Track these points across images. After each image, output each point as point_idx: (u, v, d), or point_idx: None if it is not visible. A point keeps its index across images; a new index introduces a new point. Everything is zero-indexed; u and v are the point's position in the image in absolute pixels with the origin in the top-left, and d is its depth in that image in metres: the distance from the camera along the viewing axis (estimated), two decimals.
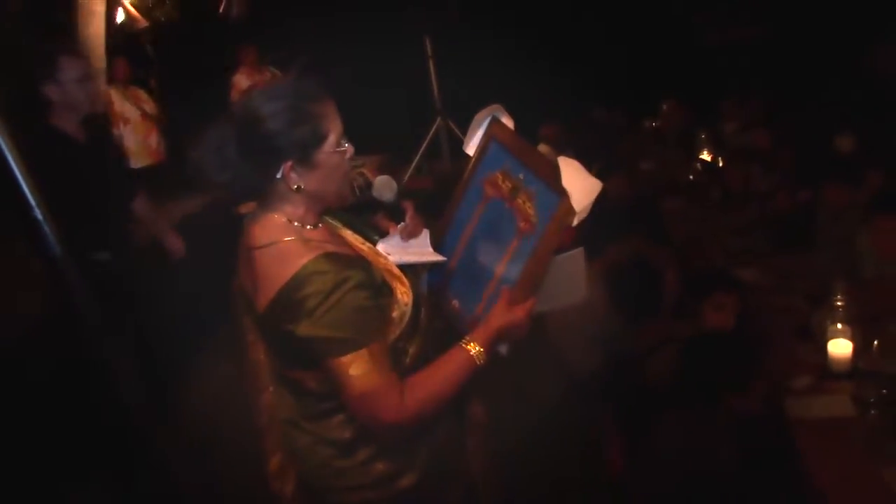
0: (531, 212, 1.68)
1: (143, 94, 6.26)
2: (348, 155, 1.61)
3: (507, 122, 1.83)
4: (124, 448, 2.79)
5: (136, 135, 6.04)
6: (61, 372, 3.02)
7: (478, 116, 1.86)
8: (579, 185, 1.61)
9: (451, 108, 6.86)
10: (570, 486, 3.00)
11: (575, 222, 1.62)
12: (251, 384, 1.81)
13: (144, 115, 6.08)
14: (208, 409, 3.67)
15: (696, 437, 2.50)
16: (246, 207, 1.70)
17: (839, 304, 2.61)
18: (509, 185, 1.76)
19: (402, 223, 1.84)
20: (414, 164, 6.69)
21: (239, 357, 1.83)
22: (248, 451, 1.90)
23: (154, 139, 6.16)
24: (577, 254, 1.77)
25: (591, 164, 2.33)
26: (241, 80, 6.72)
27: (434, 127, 6.84)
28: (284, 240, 1.56)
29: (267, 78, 6.66)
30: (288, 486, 1.81)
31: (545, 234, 1.64)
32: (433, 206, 1.99)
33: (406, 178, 6.53)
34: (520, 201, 1.72)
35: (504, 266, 1.73)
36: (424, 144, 6.77)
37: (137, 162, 5.95)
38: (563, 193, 1.60)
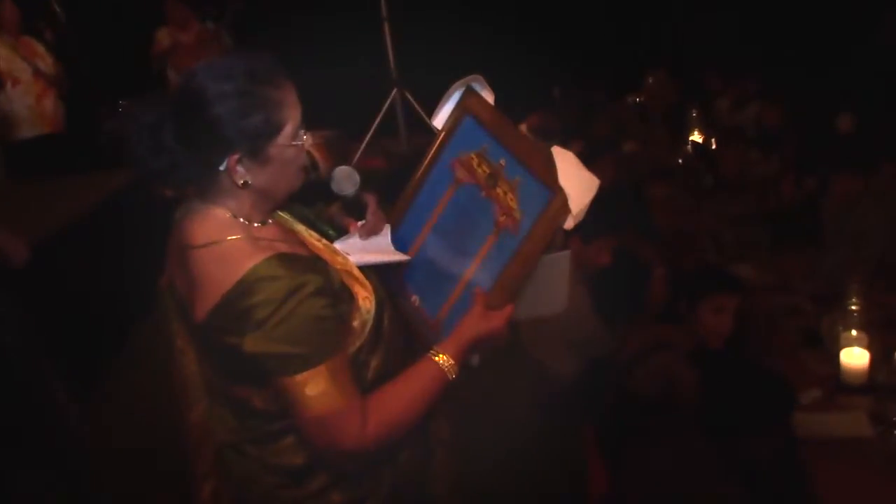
0: (514, 205, 1.64)
1: (37, 47, 5.78)
2: (306, 147, 1.56)
3: (487, 96, 1.78)
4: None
5: (27, 97, 5.62)
6: None
7: (453, 86, 1.81)
8: (576, 182, 1.58)
9: (409, 78, 6.77)
10: None
11: (571, 224, 1.59)
12: (178, 398, 1.74)
13: (38, 73, 5.68)
14: (122, 426, 3.56)
15: (690, 463, 2.47)
16: (169, 190, 1.63)
17: (854, 307, 2.61)
18: (486, 171, 1.72)
19: (363, 221, 1.79)
20: (366, 141, 6.59)
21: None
22: (175, 476, 1.85)
23: (50, 103, 5.77)
24: (563, 257, 1.75)
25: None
26: (164, 37, 6.53)
27: (389, 99, 6.74)
28: (228, 239, 1.51)
29: (194, 35, 6.48)
30: None
31: (533, 233, 1.60)
32: (386, 188, 1.97)
33: (357, 156, 6.43)
34: (499, 191, 1.67)
35: (477, 264, 1.69)
36: (378, 118, 6.67)
37: (28, 130, 5.63)
38: (557, 189, 1.57)
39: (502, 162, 1.68)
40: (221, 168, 1.49)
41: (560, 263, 1.75)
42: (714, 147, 5.03)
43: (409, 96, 6.67)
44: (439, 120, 1.84)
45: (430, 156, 1.84)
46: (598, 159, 3.76)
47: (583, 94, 6.29)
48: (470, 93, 1.79)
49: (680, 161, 5.09)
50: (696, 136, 5.21)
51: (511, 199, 1.65)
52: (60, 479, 3.04)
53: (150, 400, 1.91)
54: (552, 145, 1.65)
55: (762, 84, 5.53)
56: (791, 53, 6.31)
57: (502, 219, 1.66)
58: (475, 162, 1.74)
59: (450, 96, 1.82)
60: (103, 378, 4.12)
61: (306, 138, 1.55)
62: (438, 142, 1.83)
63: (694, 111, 5.32)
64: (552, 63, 6.54)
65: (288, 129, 1.51)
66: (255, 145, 1.48)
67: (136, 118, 1.50)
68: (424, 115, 6.24)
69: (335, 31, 6.81)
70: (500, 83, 1.84)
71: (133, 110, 1.51)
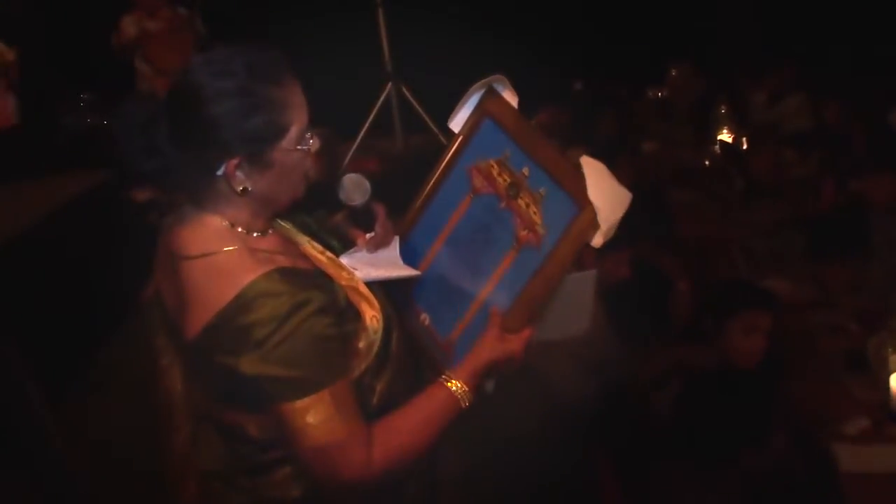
0: (537, 219, 1.66)
1: None
2: (313, 151, 1.56)
3: (510, 98, 1.78)
4: None
5: None
6: None
7: (473, 87, 1.81)
8: (607, 196, 1.60)
9: (406, 71, 6.77)
10: None
11: (600, 242, 1.61)
12: (161, 421, 1.75)
13: None
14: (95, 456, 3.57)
15: (712, 494, 2.49)
16: (142, 194, 1.64)
17: None
18: (506, 180, 1.73)
19: (371, 233, 1.80)
20: (357, 140, 6.59)
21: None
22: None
23: None
24: (588, 277, 1.79)
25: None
26: (130, 25, 6.45)
27: (384, 94, 6.75)
28: (224, 250, 1.51)
29: (164, 22, 6.46)
30: None
31: (557, 250, 1.62)
32: (381, 193, 1.94)
33: (348, 158, 6.44)
34: (521, 203, 1.69)
35: (495, 282, 1.70)
36: (371, 115, 6.67)
37: None
38: (585, 203, 1.58)
39: (525, 171, 1.69)
40: (219, 173, 1.49)
41: (585, 283, 1.79)
42: (745, 147, 5.03)
43: (405, 91, 6.67)
44: (456, 123, 1.84)
45: (444, 161, 1.84)
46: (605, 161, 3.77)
47: (600, 88, 6.30)
48: (491, 94, 1.79)
49: (706, 163, 5.10)
50: (725, 135, 5.21)
51: (534, 213, 1.66)
52: (38, 483, 3.13)
53: (134, 412, 1.92)
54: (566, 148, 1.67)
55: (801, 76, 5.52)
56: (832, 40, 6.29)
57: (524, 233, 1.67)
58: (495, 170, 1.75)
59: (469, 98, 1.82)
60: (79, 389, 4.14)
61: (313, 142, 1.56)
62: (454, 146, 1.83)
63: (722, 107, 5.32)
64: (566, 55, 6.54)
65: (293, 132, 1.51)
66: (257, 149, 1.49)
67: (127, 115, 1.51)
68: (423, 113, 6.24)
69: (324, 19, 6.80)
70: (508, 76, 1.83)
71: (122, 107, 1.52)
